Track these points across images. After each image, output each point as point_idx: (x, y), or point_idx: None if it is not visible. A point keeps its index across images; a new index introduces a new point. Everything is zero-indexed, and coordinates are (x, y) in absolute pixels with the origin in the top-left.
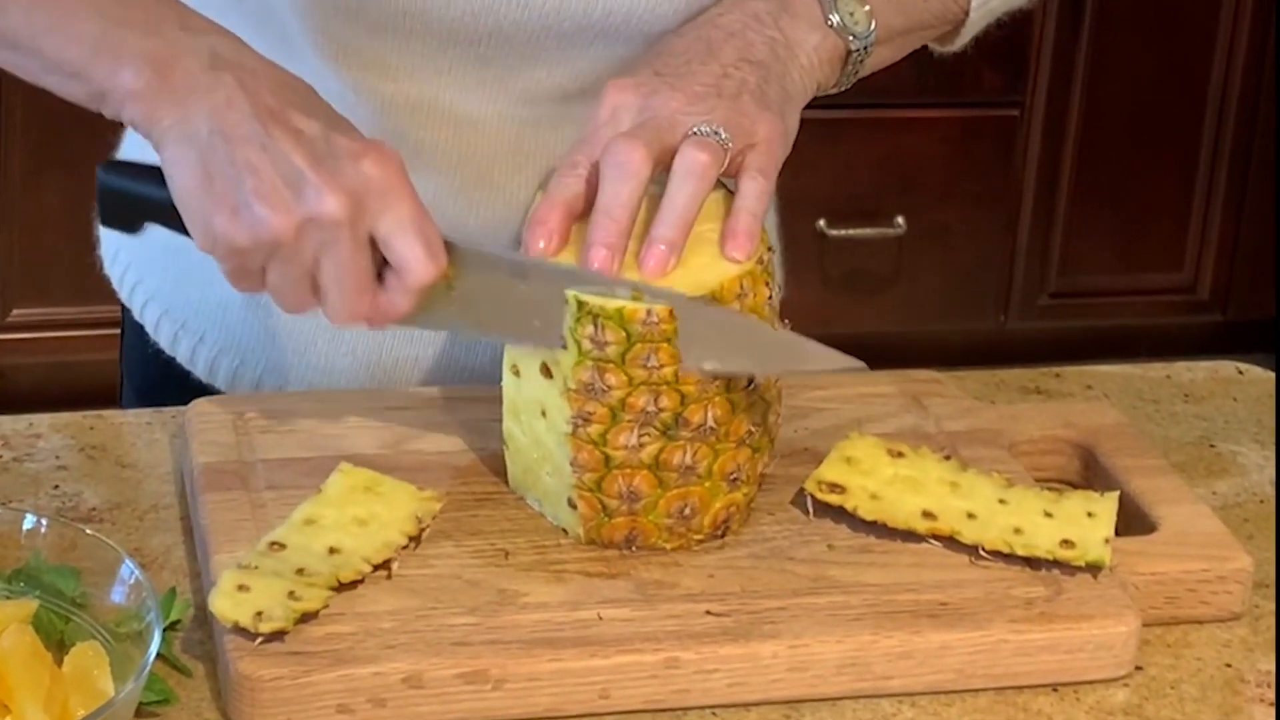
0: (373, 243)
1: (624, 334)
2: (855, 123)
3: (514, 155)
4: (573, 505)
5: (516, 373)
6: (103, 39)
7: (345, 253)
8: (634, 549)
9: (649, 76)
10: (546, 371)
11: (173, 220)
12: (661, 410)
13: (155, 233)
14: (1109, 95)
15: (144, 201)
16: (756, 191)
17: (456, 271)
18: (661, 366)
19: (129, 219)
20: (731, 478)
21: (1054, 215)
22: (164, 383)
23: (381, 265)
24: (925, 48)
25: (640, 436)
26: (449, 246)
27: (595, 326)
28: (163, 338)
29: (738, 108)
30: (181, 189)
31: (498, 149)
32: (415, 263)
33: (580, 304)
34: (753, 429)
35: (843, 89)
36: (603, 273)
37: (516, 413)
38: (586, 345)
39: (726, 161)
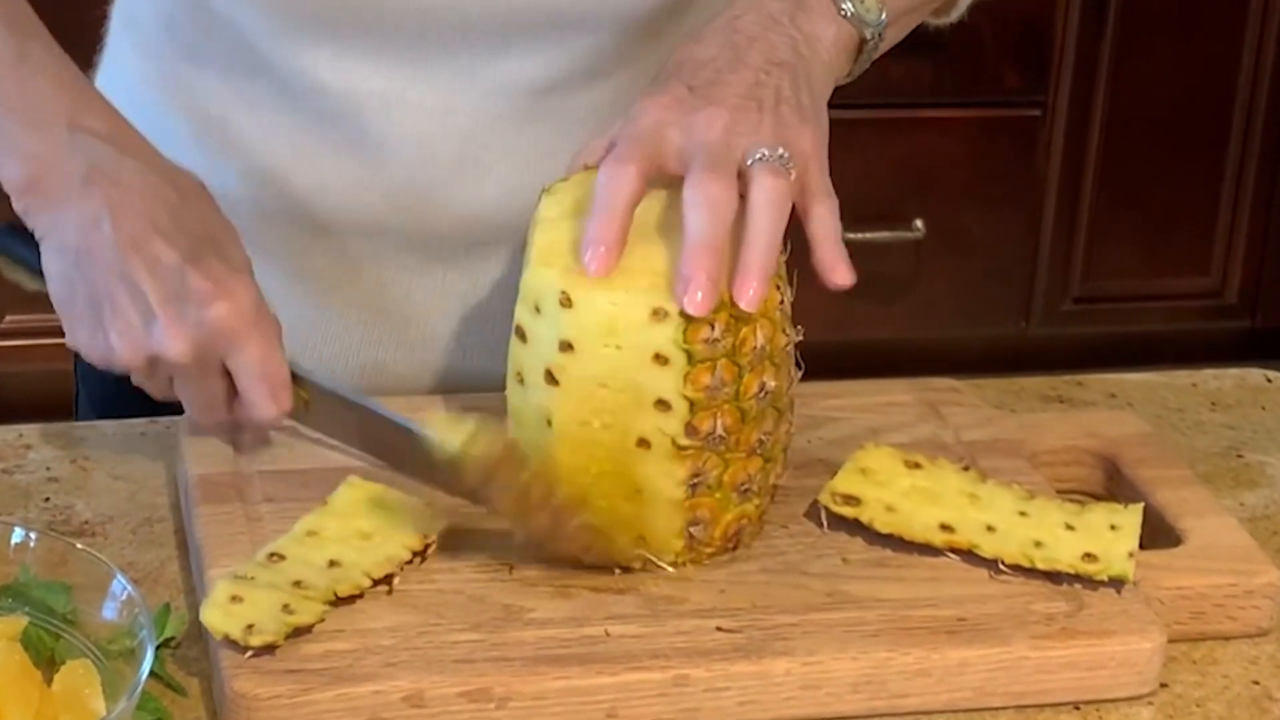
0: None
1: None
2: (872, 123)
3: (484, 152)
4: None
5: (521, 380)
6: None
7: (193, 385)
8: (644, 565)
9: (682, 92)
10: (551, 379)
11: None
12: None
13: None
14: (1133, 94)
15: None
16: (830, 213)
17: (310, 395)
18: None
19: (22, 278)
20: (743, 488)
21: (1077, 218)
22: (118, 386)
23: None
24: (941, 47)
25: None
26: (297, 379)
27: None
28: None
29: (779, 120)
30: (53, 295)
31: (467, 145)
32: (259, 406)
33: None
34: (764, 438)
35: (854, 78)
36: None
37: (521, 422)
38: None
39: (796, 185)
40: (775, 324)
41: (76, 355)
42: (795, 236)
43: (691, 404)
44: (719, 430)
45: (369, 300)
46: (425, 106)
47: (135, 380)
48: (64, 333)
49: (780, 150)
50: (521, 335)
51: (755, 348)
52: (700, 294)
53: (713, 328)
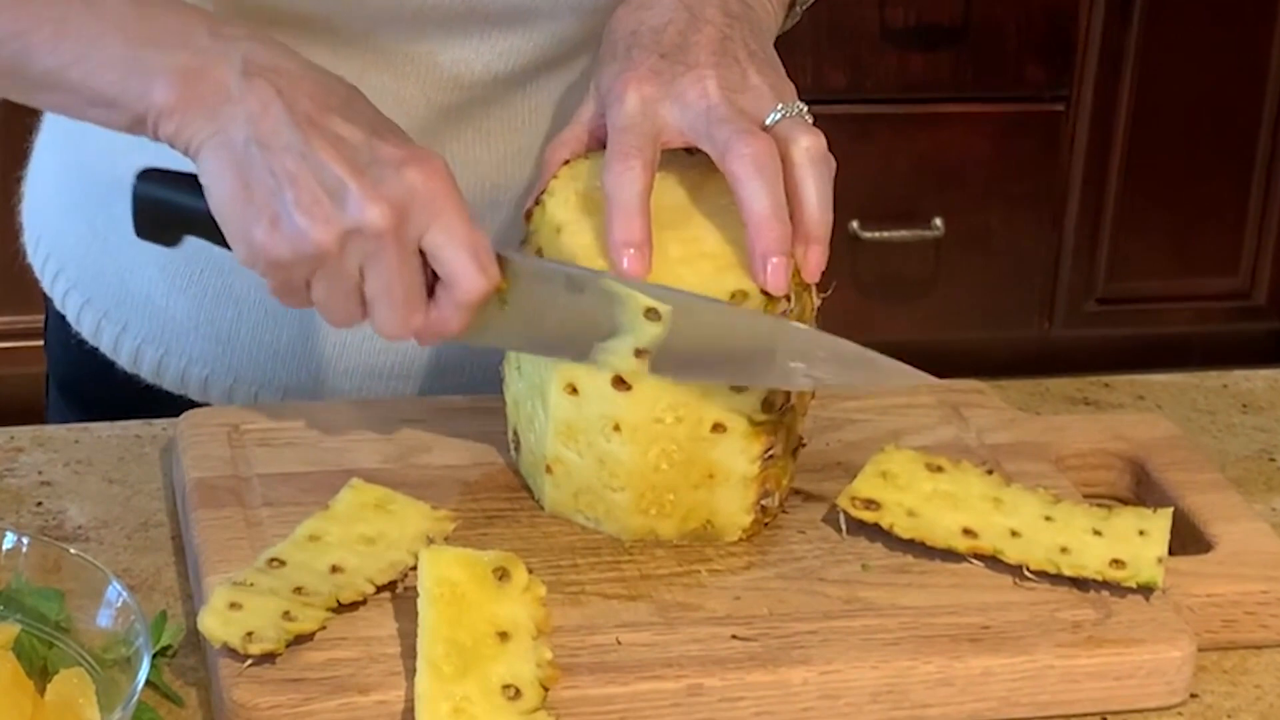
0: (422, 254)
1: None
2: (891, 119)
3: (441, 142)
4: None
5: (574, 390)
6: (131, 62)
7: (392, 265)
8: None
9: (655, 61)
10: (622, 384)
11: (213, 233)
12: None
13: (75, 221)
14: (1159, 88)
15: (182, 213)
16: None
17: (509, 285)
18: None
19: (166, 231)
20: (794, 450)
21: (1101, 216)
22: (86, 375)
23: (432, 279)
24: (963, 40)
25: None
26: (501, 259)
27: None
28: (85, 328)
29: (760, 72)
30: (219, 201)
31: (424, 135)
32: (465, 277)
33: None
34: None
35: (784, 31)
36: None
37: (573, 434)
38: None
39: None
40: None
41: (45, 341)
42: None
43: None
44: (791, 400)
45: None
46: (381, 95)
47: (288, 301)
48: (239, 247)
49: (793, 107)
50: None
51: (815, 309)
52: (780, 270)
53: (789, 299)
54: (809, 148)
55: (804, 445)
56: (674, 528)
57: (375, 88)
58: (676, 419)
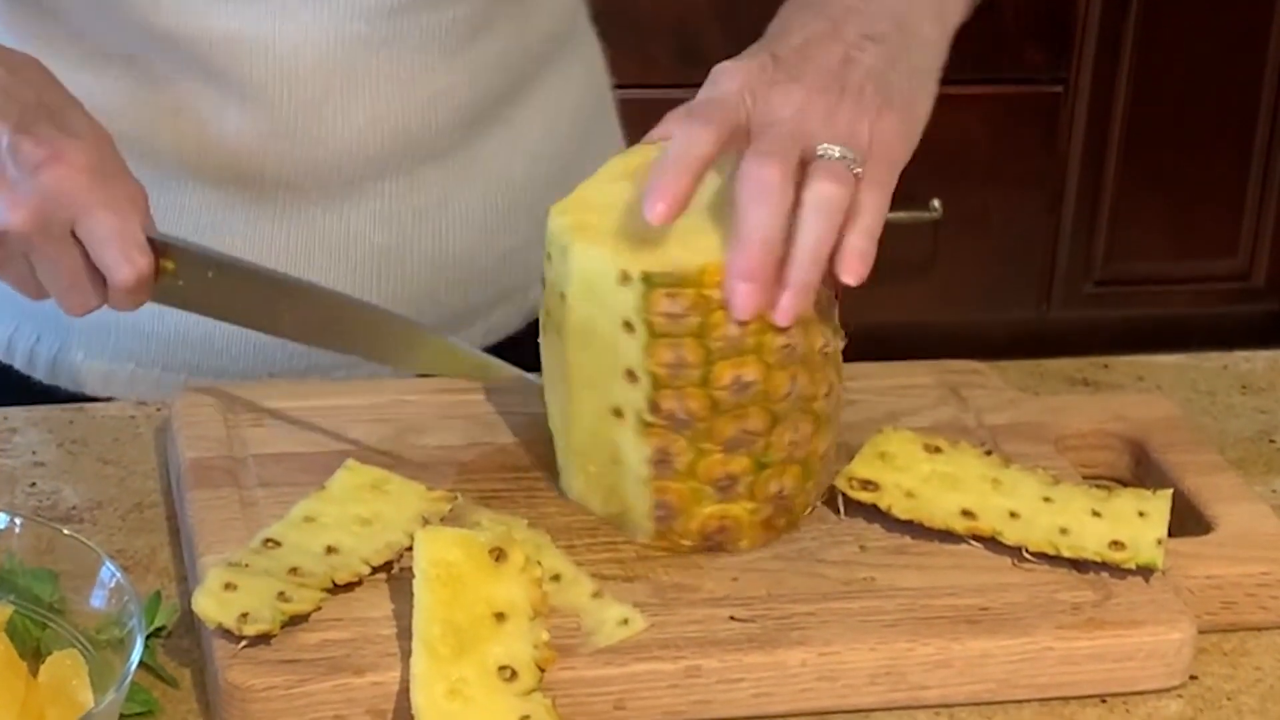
0: None
1: None
2: None
3: (346, 83)
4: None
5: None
6: None
7: (49, 258)
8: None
9: (767, 60)
10: (556, 327)
11: None
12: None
13: None
14: (1158, 70)
15: None
16: (875, 206)
17: (176, 263)
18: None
19: None
20: (721, 485)
21: (1100, 198)
22: None
23: None
24: (967, 27)
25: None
26: (158, 244)
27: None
28: None
29: (861, 105)
30: None
31: (330, 77)
32: (114, 268)
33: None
34: (745, 435)
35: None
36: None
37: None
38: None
39: (854, 187)
40: (807, 322)
41: None
42: None
43: (654, 379)
44: (681, 413)
45: (246, 248)
46: (280, 41)
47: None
48: None
49: (849, 151)
50: (542, 280)
51: (729, 336)
52: (747, 297)
53: (672, 299)
54: (821, 194)
55: (788, 502)
56: (600, 503)
57: (272, 36)
58: (588, 384)
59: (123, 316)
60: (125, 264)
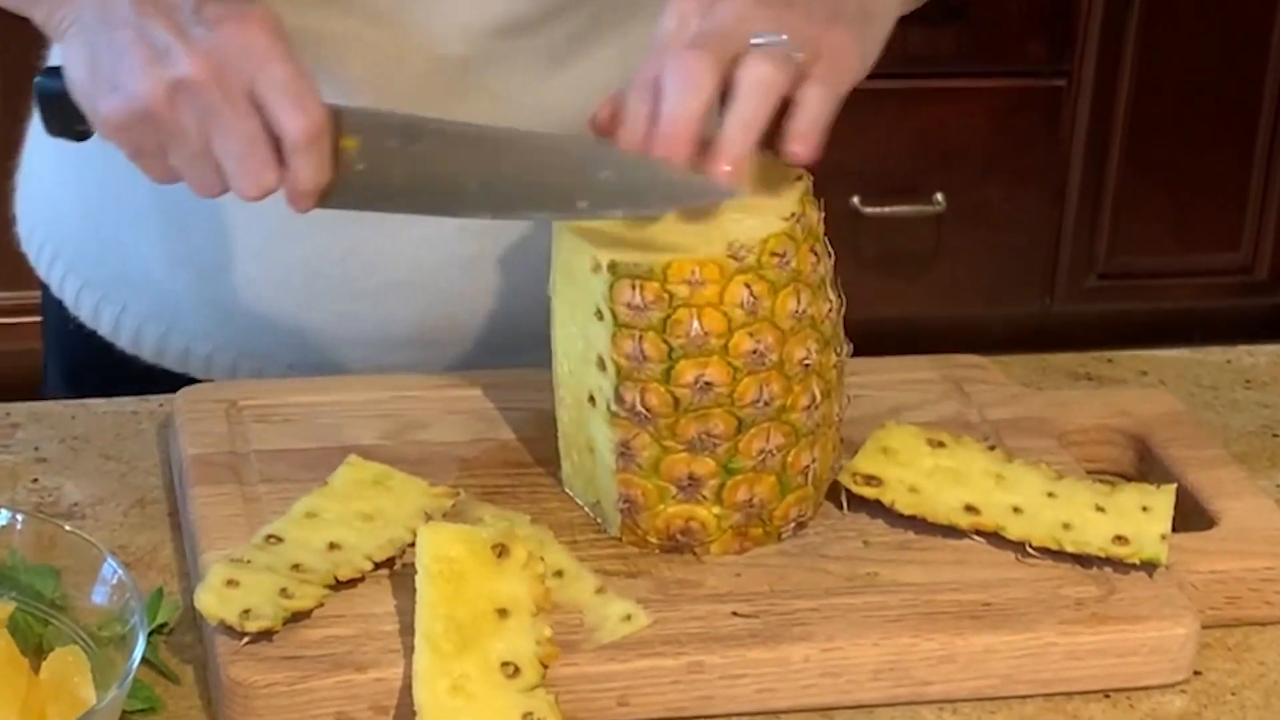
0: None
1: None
2: (892, 94)
3: (446, 95)
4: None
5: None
6: None
7: (225, 117)
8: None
9: None
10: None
11: None
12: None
13: (71, 204)
14: (1161, 64)
15: (75, 105)
16: (819, 97)
17: (355, 141)
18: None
19: (69, 126)
20: (684, 485)
21: (1103, 192)
22: (85, 360)
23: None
24: (964, 15)
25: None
26: (341, 113)
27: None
28: (83, 311)
29: (809, 15)
30: (74, 80)
31: (431, 87)
32: (287, 118)
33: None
34: (709, 438)
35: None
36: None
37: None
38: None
39: (794, 77)
40: (809, 287)
41: (43, 328)
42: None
43: (618, 368)
44: (639, 406)
45: (325, 251)
46: (382, 49)
47: (154, 174)
48: (93, 122)
49: (783, 36)
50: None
51: (692, 333)
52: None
53: (634, 289)
54: (755, 75)
55: (760, 512)
56: (581, 488)
57: (376, 43)
58: (570, 370)
59: (234, 304)
60: (299, 114)
